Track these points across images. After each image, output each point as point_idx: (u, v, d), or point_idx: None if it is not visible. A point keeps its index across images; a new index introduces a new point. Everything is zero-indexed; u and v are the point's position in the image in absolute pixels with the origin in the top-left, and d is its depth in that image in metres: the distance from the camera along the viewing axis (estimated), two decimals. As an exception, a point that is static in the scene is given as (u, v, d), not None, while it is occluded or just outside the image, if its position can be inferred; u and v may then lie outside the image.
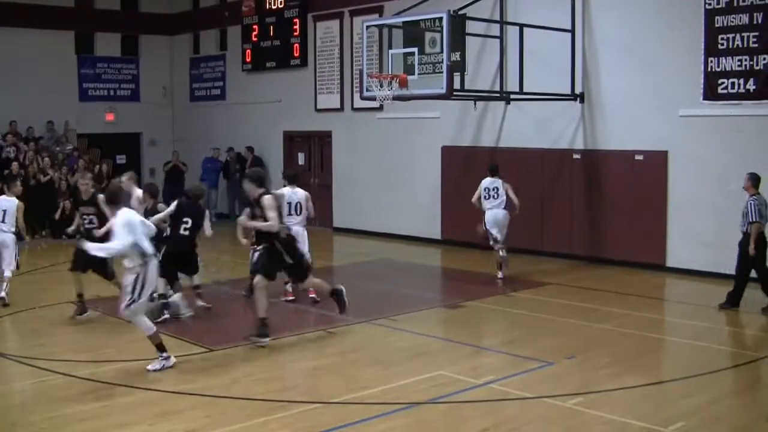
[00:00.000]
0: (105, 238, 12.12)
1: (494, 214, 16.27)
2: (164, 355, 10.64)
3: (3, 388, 10.27)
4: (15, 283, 15.12)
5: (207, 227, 13.85)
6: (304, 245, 13.48)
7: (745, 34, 15.89)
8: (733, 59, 16.06)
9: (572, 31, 17.94)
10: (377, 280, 17.08)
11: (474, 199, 16.50)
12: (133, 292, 10.42)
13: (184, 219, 13.62)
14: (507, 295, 15.14)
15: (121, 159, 28.97)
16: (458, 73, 17.04)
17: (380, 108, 20.83)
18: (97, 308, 14.11)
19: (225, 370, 10.82)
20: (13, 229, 14.85)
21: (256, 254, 12.92)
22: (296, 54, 25.05)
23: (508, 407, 9.34)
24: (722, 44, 16.13)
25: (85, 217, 13.77)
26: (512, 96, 18.27)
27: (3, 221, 14.69)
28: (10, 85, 26.19)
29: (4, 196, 15.10)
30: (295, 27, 25.02)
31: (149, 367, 10.56)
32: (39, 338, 12.56)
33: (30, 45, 26.65)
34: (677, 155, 16.99)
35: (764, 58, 15.71)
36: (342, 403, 9.40)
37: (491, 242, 16.42)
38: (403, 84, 15.98)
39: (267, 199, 11.84)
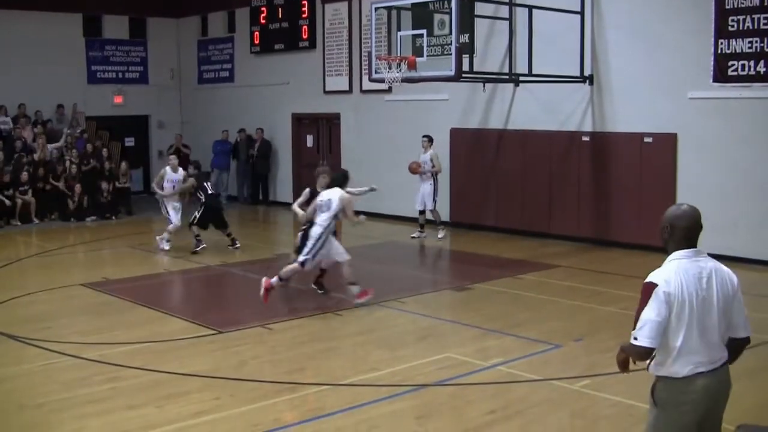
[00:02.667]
0: None
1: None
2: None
3: (12, 370, 10.31)
4: (24, 265, 15.17)
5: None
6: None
7: (756, 16, 15.78)
8: (743, 41, 15.98)
9: (581, 13, 17.87)
10: (385, 263, 17.10)
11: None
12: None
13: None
14: (515, 278, 15.14)
15: (129, 141, 29.05)
16: (467, 55, 16.97)
17: (389, 90, 20.77)
18: (107, 291, 14.15)
19: (233, 353, 10.86)
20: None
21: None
22: (305, 36, 25.02)
23: (515, 389, 9.35)
24: (732, 26, 16.04)
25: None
26: (521, 78, 18.22)
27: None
28: (19, 68, 26.20)
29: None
30: (303, 9, 24.96)
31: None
32: (47, 321, 12.60)
33: (38, 27, 26.66)
34: (686, 138, 16.93)
35: (775, 40, 15.66)
36: (350, 385, 9.43)
37: None
38: (412, 66, 15.95)
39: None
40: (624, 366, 5.52)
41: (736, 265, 13.99)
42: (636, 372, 5.24)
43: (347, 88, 23.93)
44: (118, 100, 29.02)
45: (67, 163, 24.33)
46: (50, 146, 25.11)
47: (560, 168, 18.79)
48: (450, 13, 15.73)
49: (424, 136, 19.29)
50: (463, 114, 20.85)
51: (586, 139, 18.47)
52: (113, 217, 23.95)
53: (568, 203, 18.83)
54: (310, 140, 25.58)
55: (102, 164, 24.94)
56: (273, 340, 11.49)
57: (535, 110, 19.26)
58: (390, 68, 16.22)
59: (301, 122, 25.91)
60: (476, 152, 20.52)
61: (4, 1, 25.88)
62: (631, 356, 5.36)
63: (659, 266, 5.29)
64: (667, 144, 17.15)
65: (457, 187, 20.97)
